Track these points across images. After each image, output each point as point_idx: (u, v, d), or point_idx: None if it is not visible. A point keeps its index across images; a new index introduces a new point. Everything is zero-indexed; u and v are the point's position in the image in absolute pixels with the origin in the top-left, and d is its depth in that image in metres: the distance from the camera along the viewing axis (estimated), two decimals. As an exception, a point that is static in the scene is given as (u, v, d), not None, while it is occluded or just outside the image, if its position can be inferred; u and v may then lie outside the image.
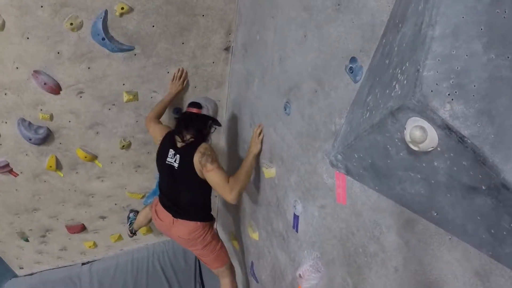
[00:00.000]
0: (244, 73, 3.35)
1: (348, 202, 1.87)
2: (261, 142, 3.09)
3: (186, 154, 3.05)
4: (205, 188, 3.14)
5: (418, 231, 1.43)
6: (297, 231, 2.54)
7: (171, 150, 3.17)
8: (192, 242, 3.33)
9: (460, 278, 1.30)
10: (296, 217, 2.52)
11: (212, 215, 3.44)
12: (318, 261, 2.29)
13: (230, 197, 2.88)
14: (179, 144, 3.15)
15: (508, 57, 0.95)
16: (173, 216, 3.27)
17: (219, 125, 3.37)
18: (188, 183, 3.13)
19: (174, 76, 3.51)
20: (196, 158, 2.97)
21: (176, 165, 3.10)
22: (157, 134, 3.41)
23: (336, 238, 2.05)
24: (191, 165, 3.01)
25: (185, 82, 3.56)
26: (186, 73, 3.51)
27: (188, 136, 3.12)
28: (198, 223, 3.26)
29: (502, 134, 0.95)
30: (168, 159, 3.16)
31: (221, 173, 2.95)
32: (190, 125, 3.15)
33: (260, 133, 3.08)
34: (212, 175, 2.94)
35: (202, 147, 3.04)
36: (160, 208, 3.38)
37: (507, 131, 0.94)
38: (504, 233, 1.03)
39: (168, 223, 3.31)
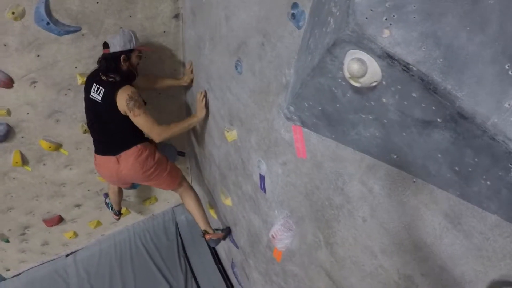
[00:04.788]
0: (195, 38, 3.25)
1: (308, 156, 1.79)
2: (207, 107, 3.32)
3: (110, 90, 3.08)
4: (129, 119, 3.18)
5: (380, 177, 1.36)
6: (264, 191, 2.49)
7: (94, 84, 3.15)
8: (143, 165, 3.32)
9: (429, 223, 1.24)
10: (262, 178, 2.47)
11: (145, 137, 3.45)
12: (289, 220, 2.25)
13: (156, 139, 3.20)
14: (103, 78, 3.14)
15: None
16: (114, 155, 3.27)
17: (133, 47, 3.22)
18: (113, 116, 3.14)
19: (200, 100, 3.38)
20: (122, 99, 3.04)
21: (99, 98, 3.10)
22: None
23: (302, 194, 1.99)
24: (114, 102, 3.07)
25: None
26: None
27: (110, 78, 3.12)
28: (138, 145, 3.29)
29: (451, 57, 0.86)
30: (92, 93, 3.14)
31: (148, 117, 3.12)
32: (104, 68, 3.13)
33: (203, 99, 3.28)
34: (140, 119, 3.09)
35: (129, 90, 3.08)
36: (100, 158, 3.39)
37: (457, 53, 0.86)
38: (469, 169, 0.96)
39: (114, 166, 3.31)
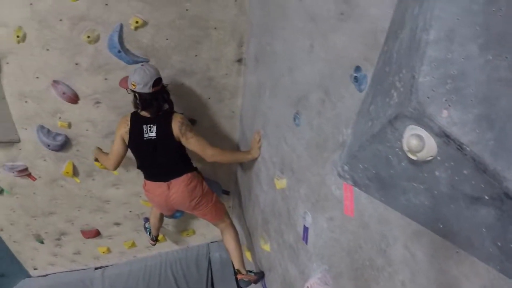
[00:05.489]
0: (256, 84, 3.34)
1: (356, 214, 1.83)
2: (259, 149, 3.39)
3: (162, 122, 3.25)
4: (181, 146, 3.34)
5: (424, 244, 1.38)
6: (306, 243, 2.50)
7: (144, 126, 3.26)
8: (192, 193, 3.41)
9: (468, 294, 1.24)
10: (306, 229, 2.48)
11: (194, 166, 3.57)
12: (327, 274, 2.25)
13: (209, 160, 3.35)
14: (151, 116, 3.26)
15: (506, 57, 0.91)
16: (165, 181, 3.37)
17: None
18: (168, 145, 3.29)
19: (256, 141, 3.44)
20: (176, 126, 3.21)
21: (153, 135, 3.23)
22: (120, 136, 3.43)
23: (344, 250, 2.01)
24: (170, 130, 3.22)
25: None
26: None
27: (156, 112, 3.25)
28: (189, 174, 3.39)
29: (503, 139, 0.90)
30: (145, 135, 3.25)
31: (201, 138, 3.30)
32: (155, 107, 3.24)
33: (259, 141, 3.35)
34: (194, 142, 3.26)
35: (179, 116, 3.27)
36: (151, 184, 3.47)
37: (509, 136, 0.90)
38: (511, 246, 0.99)
39: (164, 192, 3.39)
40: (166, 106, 3.32)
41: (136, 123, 3.30)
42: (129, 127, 3.32)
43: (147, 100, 3.17)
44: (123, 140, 3.38)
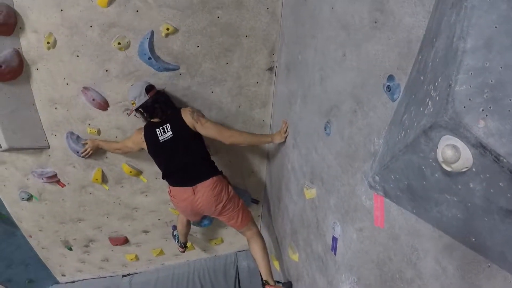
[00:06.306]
0: (287, 93, 3.34)
1: (386, 226, 1.80)
2: (284, 138, 3.46)
3: (174, 119, 3.31)
4: (200, 141, 3.47)
5: (456, 257, 1.36)
6: (335, 254, 2.48)
7: (157, 129, 3.34)
8: (218, 198, 3.41)
9: (500, 309, 1.21)
10: (334, 240, 2.46)
11: (220, 171, 3.59)
12: (355, 286, 2.22)
13: (227, 142, 3.41)
14: (161, 118, 3.35)
15: (546, 67, 0.88)
16: (190, 185, 3.37)
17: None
18: (187, 140, 3.37)
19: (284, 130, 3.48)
20: (188, 116, 3.31)
21: (169, 134, 3.30)
22: (134, 141, 3.58)
23: (373, 262, 1.98)
24: (184, 123, 3.32)
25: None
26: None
27: (164, 111, 3.37)
28: (214, 177, 3.40)
29: None
30: (161, 138, 3.32)
31: (215, 123, 3.39)
32: (152, 111, 3.35)
33: (286, 131, 3.42)
34: (210, 125, 3.33)
35: (186, 109, 3.39)
36: (176, 190, 3.49)
37: None
38: None
39: (190, 197, 3.40)
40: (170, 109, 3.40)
41: (150, 130, 3.40)
42: (143, 135, 3.44)
43: (149, 106, 3.29)
44: (137, 144, 3.54)
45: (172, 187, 3.52)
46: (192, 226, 4.62)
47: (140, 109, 3.32)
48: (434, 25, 1.21)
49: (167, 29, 3.17)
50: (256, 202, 4.84)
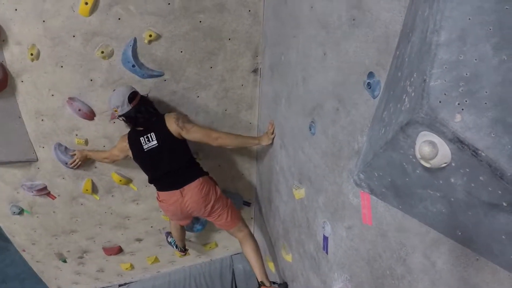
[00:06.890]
0: (272, 94, 3.33)
1: (374, 223, 1.80)
2: (271, 139, 3.45)
3: (158, 127, 3.31)
4: (184, 145, 3.42)
5: (444, 252, 1.35)
6: (327, 252, 2.47)
7: (141, 138, 3.31)
8: (206, 198, 3.41)
9: (490, 302, 1.21)
10: (325, 239, 2.46)
11: (206, 171, 3.58)
12: (348, 284, 2.22)
13: (215, 143, 3.37)
14: (144, 127, 3.32)
15: (521, 57, 0.88)
16: (178, 188, 3.37)
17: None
18: (172, 147, 3.34)
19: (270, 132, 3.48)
20: (172, 124, 3.26)
21: (154, 143, 3.28)
22: (119, 149, 3.56)
23: (364, 260, 1.98)
24: (168, 131, 3.27)
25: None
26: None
27: (148, 120, 3.30)
28: (200, 178, 3.40)
29: None
30: (145, 146, 3.30)
31: (201, 127, 3.41)
32: (143, 118, 3.28)
33: (273, 132, 3.41)
34: (196, 130, 3.31)
35: (170, 115, 3.33)
36: (164, 195, 3.47)
37: None
38: None
39: (178, 200, 3.39)
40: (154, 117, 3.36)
41: (134, 138, 3.37)
42: (127, 143, 3.42)
43: (132, 116, 3.24)
44: (122, 151, 3.52)
45: (160, 192, 3.51)
46: (185, 231, 4.60)
47: (122, 118, 3.29)
48: (410, 19, 1.20)
49: (150, 35, 3.14)
50: (248, 204, 4.83)
